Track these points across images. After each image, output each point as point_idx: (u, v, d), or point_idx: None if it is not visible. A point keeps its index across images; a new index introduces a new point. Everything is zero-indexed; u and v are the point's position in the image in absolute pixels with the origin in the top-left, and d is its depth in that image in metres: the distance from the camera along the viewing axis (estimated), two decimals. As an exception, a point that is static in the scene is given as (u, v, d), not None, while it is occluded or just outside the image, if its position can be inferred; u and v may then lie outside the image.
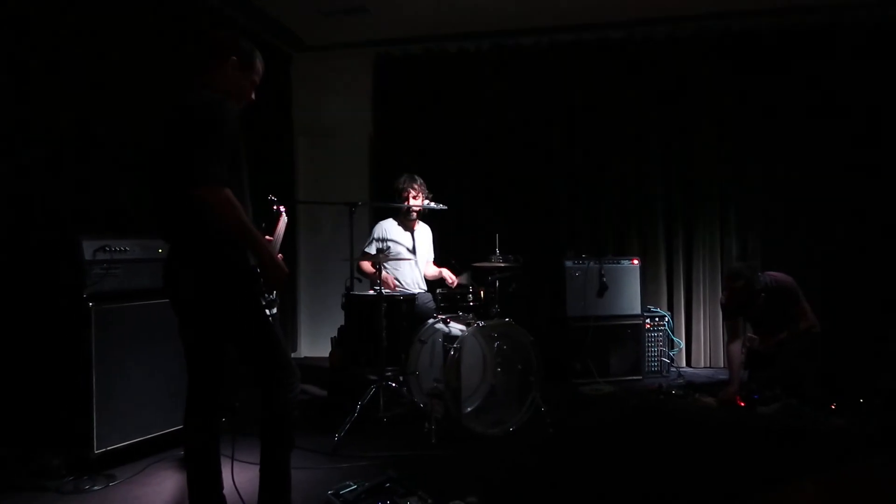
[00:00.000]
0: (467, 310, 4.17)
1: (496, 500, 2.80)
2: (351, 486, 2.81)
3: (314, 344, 6.07)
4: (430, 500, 2.67)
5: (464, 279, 4.60)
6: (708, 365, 5.66)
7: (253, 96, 2.58)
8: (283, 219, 3.07)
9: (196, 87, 2.43)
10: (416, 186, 4.56)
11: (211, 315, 2.37)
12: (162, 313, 3.39)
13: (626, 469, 3.24)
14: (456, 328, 3.92)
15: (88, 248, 3.14)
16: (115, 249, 3.24)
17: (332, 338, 4.48)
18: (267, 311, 2.40)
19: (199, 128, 2.25)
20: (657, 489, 2.97)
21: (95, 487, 3.02)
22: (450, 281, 4.64)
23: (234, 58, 2.47)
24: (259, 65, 2.56)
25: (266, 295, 2.39)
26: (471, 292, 4.21)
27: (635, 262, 5.36)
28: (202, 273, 2.31)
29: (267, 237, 2.77)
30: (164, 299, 3.34)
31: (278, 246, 2.89)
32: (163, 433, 3.44)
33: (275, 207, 3.13)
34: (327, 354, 4.62)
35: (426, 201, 4.55)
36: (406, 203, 4.56)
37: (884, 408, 3.98)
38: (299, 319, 6.23)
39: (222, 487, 2.51)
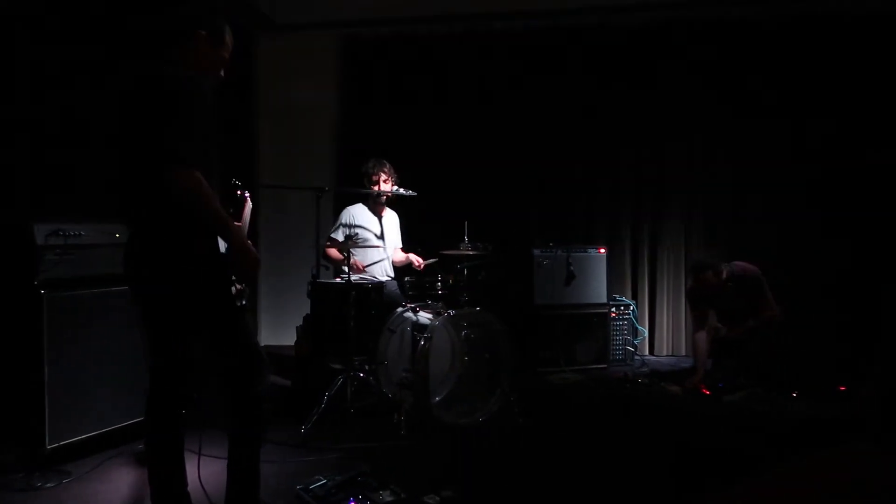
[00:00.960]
0: (436, 298, 4.12)
1: (471, 493, 2.76)
2: (321, 480, 2.73)
3: (275, 332, 5.92)
4: (403, 495, 2.62)
5: (431, 261, 4.49)
6: (670, 353, 5.73)
7: (223, 73, 2.46)
8: (249, 204, 2.94)
9: (164, 62, 2.30)
10: (385, 171, 4.46)
11: (177, 304, 2.24)
12: (119, 301, 3.27)
13: (598, 459, 3.24)
14: (425, 317, 3.86)
15: (40, 233, 2.97)
16: (70, 234, 3.07)
17: (297, 326, 4.37)
18: (237, 302, 2.29)
19: (169, 105, 2.12)
20: (629, 479, 2.98)
21: (48, 484, 2.87)
22: (417, 264, 4.56)
23: (204, 32, 2.34)
24: (229, 40, 2.43)
25: (236, 285, 2.28)
26: (439, 280, 4.16)
27: (602, 250, 5.37)
28: (169, 260, 2.19)
29: (235, 223, 2.64)
30: (122, 286, 3.25)
31: (246, 232, 2.77)
32: (120, 426, 3.30)
33: (239, 192, 3.00)
34: (289, 343, 4.52)
35: (395, 187, 4.46)
36: (376, 188, 4.46)
37: (873, 396, 4.06)
38: (259, 307, 6.08)
39: (186, 484, 2.40)
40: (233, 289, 2.27)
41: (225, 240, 2.20)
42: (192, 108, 2.14)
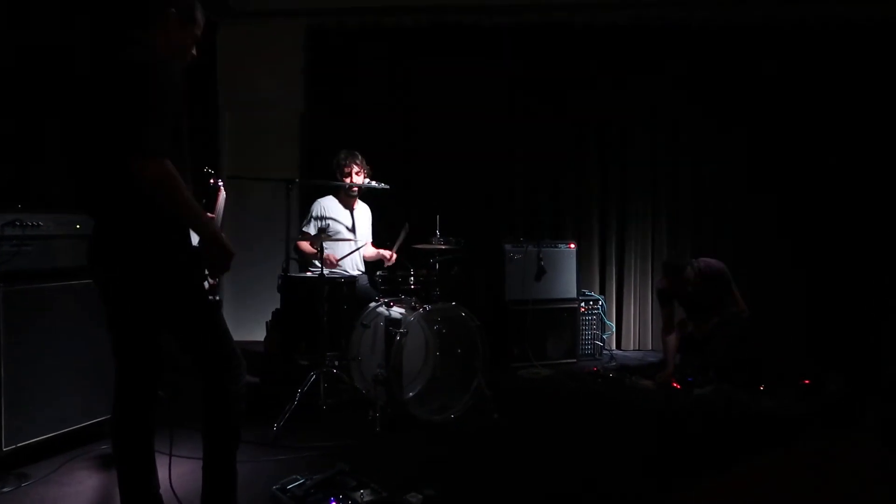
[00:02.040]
0: (409, 293, 4.05)
1: (453, 491, 2.71)
2: (298, 479, 2.65)
3: (240, 328, 5.75)
4: (384, 493, 2.55)
5: (401, 238, 4.39)
6: (637, 348, 5.79)
7: (194, 52, 2.34)
8: (222, 193, 2.84)
9: (132, 44, 2.16)
10: (357, 162, 4.37)
11: (147, 300, 2.12)
12: (81, 295, 3.12)
13: (574, 454, 3.23)
14: (399, 312, 3.79)
15: (-4, 223, 2.80)
16: (28, 224, 2.90)
17: (266, 322, 4.25)
18: (210, 297, 2.19)
19: (138, 91, 1.99)
20: (604, 473, 2.97)
21: (6, 488, 2.71)
22: (388, 257, 4.47)
23: (173, 10, 2.22)
24: (200, 17, 2.31)
25: (209, 279, 2.18)
26: (412, 275, 4.09)
27: (572, 246, 5.39)
28: (138, 254, 2.07)
29: (208, 214, 2.54)
30: (83, 279, 3.11)
31: (219, 223, 2.67)
32: (82, 426, 3.16)
33: (212, 181, 2.90)
34: (254, 339, 4.39)
35: (367, 180, 4.37)
36: (348, 180, 4.37)
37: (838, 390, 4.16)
38: (223, 302, 5.90)
39: (158, 486, 2.29)
40: (206, 283, 2.17)
41: (197, 232, 2.09)
42: (163, 95, 2.02)
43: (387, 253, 4.49)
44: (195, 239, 2.13)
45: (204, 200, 2.55)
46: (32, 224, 2.92)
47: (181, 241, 2.12)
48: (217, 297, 2.24)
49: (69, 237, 3.09)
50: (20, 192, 3.40)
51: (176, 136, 2.06)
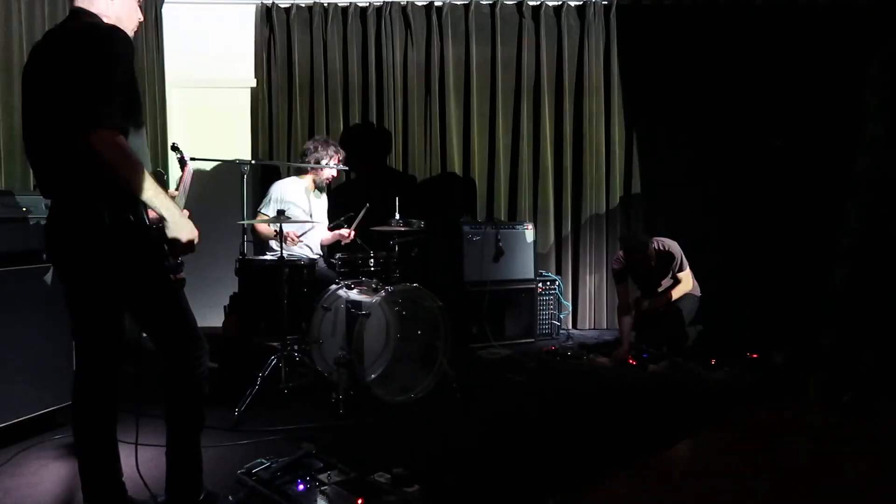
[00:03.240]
0: (368, 275, 4.04)
1: (420, 470, 2.72)
2: (264, 463, 2.62)
3: (197, 314, 5.63)
4: (352, 474, 2.55)
5: (360, 217, 4.36)
6: (593, 326, 5.91)
7: (141, 17, 2.27)
8: (189, 169, 2.76)
9: (77, 14, 2.09)
10: (336, 152, 4.32)
11: (108, 279, 2.07)
12: (29, 281, 3.01)
13: (537, 430, 3.29)
14: (359, 294, 3.77)
15: (-63, 206, 2.67)
16: (-28, 207, 2.77)
17: (224, 306, 4.17)
18: (172, 276, 2.14)
19: (86, 62, 1.93)
20: (569, 447, 3.04)
21: (-44, 482, 2.61)
22: (346, 235, 4.44)
23: None
24: None
25: (170, 258, 2.12)
26: (371, 257, 4.07)
27: (529, 227, 5.44)
28: (96, 233, 2.00)
29: (172, 192, 2.47)
30: (34, 264, 3.00)
31: (184, 200, 2.60)
32: (33, 416, 3.05)
33: (179, 157, 2.82)
34: (212, 325, 4.30)
35: (332, 164, 4.31)
36: (327, 170, 4.31)
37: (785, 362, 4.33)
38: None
39: (121, 473, 2.24)
40: (168, 262, 2.11)
41: (154, 209, 2.02)
42: (113, 69, 1.95)
43: (344, 232, 4.45)
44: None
45: (165, 177, 2.48)
46: (-24, 207, 2.79)
47: (139, 218, 2.06)
48: (181, 277, 2.18)
49: (17, 220, 2.97)
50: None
51: (130, 109, 2.00)
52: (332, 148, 4.35)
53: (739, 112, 5.76)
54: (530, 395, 3.93)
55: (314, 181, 4.43)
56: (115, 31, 2.02)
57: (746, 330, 5.05)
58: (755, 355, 4.48)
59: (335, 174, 4.34)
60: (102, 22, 2.07)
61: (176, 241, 2.06)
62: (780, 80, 5.71)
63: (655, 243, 4.71)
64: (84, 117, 1.88)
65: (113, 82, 1.94)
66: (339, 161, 4.35)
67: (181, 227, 2.05)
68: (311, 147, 4.37)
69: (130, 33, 2.17)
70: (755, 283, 5.62)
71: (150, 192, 1.98)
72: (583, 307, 5.94)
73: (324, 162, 4.33)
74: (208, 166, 5.22)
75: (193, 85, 5.83)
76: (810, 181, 5.66)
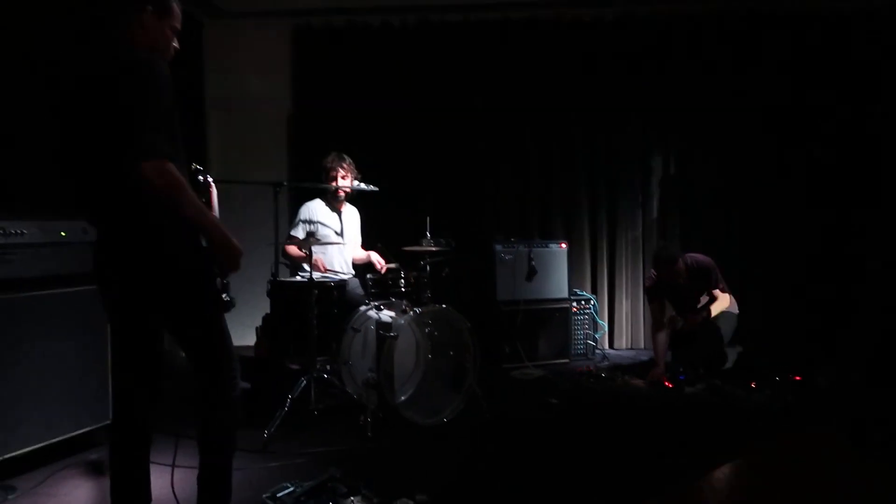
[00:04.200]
0: (399, 295, 4.03)
1: (445, 496, 2.69)
2: (288, 487, 2.62)
3: (236, 333, 5.71)
4: (376, 500, 2.53)
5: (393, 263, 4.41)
6: (629, 346, 5.79)
7: (176, 44, 2.31)
8: (213, 190, 2.80)
9: (115, 44, 2.14)
10: (344, 166, 4.34)
11: (157, 300, 2.11)
12: (66, 303, 3.08)
13: (569, 454, 3.22)
14: (389, 315, 3.77)
15: (-22, 232, 2.76)
16: (11, 233, 2.85)
17: (256, 327, 4.22)
18: (225, 296, 2.19)
19: (133, 93, 1.97)
20: (600, 473, 2.97)
21: (-8, 501, 2.68)
22: (379, 266, 4.47)
23: (149, 6, 2.18)
24: (176, 8, 2.27)
25: (219, 279, 2.16)
26: (402, 277, 4.07)
27: (563, 245, 5.38)
28: (150, 255, 2.06)
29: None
30: (69, 288, 3.07)
31: None
32: (68, 437, 3.11)
33: (201, 178, 2.85)
34: (245, 345, 4.36)
35: (356, 182, 4.34)
36: (334, 183, 4.34)
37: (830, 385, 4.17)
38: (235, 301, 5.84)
39: (150, 496, 2.27)
40: (218, 282, 2.16)
41: (204, 233, 2.08)
42: (159, 99, 2.00)
43: (377, 260, 4.47)
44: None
45: (204, 200, 2.51)
46: (17, 232, 2.87)
47: (192, 241, 2.11)
48: (229, 297, 2.22)
49: (54, 245, 3.05)
50: (5, 199, 3.36)
51: (173, 134, 2.05)
52: (343, 162, 4.36)
53: (777, 128, 5.61)
54: (562, 417, 3.86)
55: (336, 196, 4.45)
56: (157, 60, 2.07)
57: (789, 351, 4.89)
58: (798, 377, 4.32)
59: (347, 186, 4.35)
60: (142, 52, 2.11)
61: (223, 260, 2.11)
62: (829, 91, 5.55)
63: (687, 259, 4.60)
64: (134, 148, 1.93)
65: (159, 112, 1.99)
66: (348, 177, 4.36)
67: (228, 247, 2.10)
68: (326, 161, 4.40)
69: (166, 57, 2.22)
70: (799, 302, 5.44)
71: (199, 214, 2.03)
72: (619, 327, 5.83)
73: (332, 175, 4.34)
74: (241, 188, 5.30)
75: (231, 106, 5.95)
76: (855, 196, 5.48)
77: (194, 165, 2.90)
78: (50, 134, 3.65)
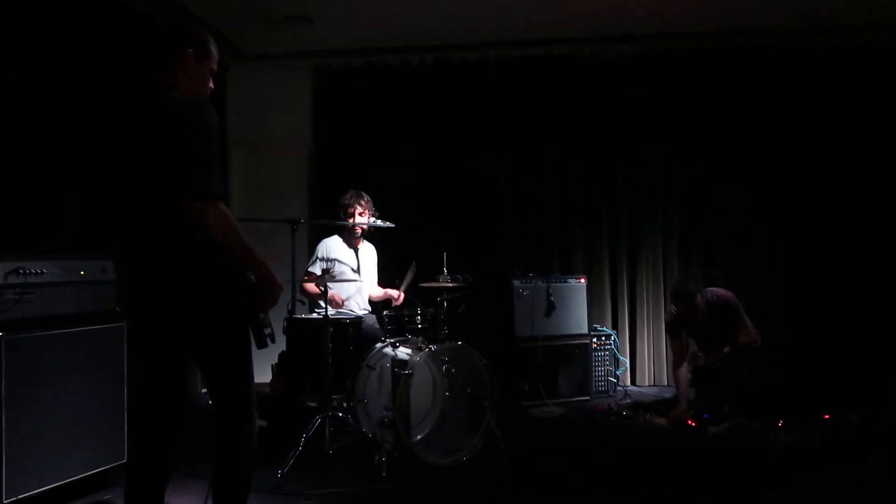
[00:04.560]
0: (415, 332, 4.00)
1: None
2: (300, 530, 2.58)
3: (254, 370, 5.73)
4: (388, 544, 2.48)
5: (409, 277, 4.37)
6: (652, 383, 5.67)
7: (212, 85, 2.37)
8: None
9: (160, 87, 2.19)
10: (362, 203, 4.37)
11: (193, 338, 2.15)
12: (84, 343, 3.11)
13: (589, 497, 3.13)
14: (405, 352, 3.74)
15: (0, 272, 2.80)
16: (31, 272, 2.90)
17: (272, 364, 4.21)
18: (266, 330, 2.20)
19: (184, 135, 2.03)
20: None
21: (6, 542, 2.67)
22: (396, 298, 4.45)
23: (191, 50, 2.26)
24: (215, 51, 2.35)
25: (261, 314, 2.20)
26: (419, 314, 4.05)
27: (582, 280, 5.32)
28: (195, 292, 2.10)
29: None
30: (87, 327, 3.10)
31: None
32: (83, 476, 3.09)
33: None
34: (261, 381, 4.34)
35: (372, 219, 4.36)
36: (351, 220, 4.36)
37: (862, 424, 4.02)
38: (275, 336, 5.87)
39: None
40: (260, 317, 2.19)
41: (252, 271, 2.13)
42: (211, 137, 2.08)
43: (394, 293, 4.47)
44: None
45: None
46: (36, 272, 2.92)
47: (236, 278, 2.14)
48: (271, 331, 2.23)
49: (73, 284, 3.09)
50: (29, 237, 3.43)
51: (222, 175, 2.09)
52: (361, 199, 4.39)
53: (809, 153, 5.56)
54: (581, 457, 3.77)
55: (353, 233, 4.46)
56: (207, 104, 2.14)
57: (818, 387, 4.73)
58: (828, 416, 4.17)
59: (364, 223, 4.36)
60: (190, 96, 2.18)
61: (266, 296, 2.16)
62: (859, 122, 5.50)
63: (708, 293, 4.51)
64: (190, 188, 1.99)
65: (212, 154, 2.07)
66: (365, 214, 4.38)
67: (272, 284, 2.16)
68: (344, 198, 4.43)
69: (205, 96, 2.28)
70: (828, 336, 5.30)
71: (248, 252, 2.10)
72: (641, 363, 5.72)
73: (350, 211, 4.37)
74: (261, 225, 5.36)
75: (253, 146, 6.05)
76: (888, 224, 5.38)
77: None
78: (72, 174, 3.77)
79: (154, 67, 2.27)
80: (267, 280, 2.15)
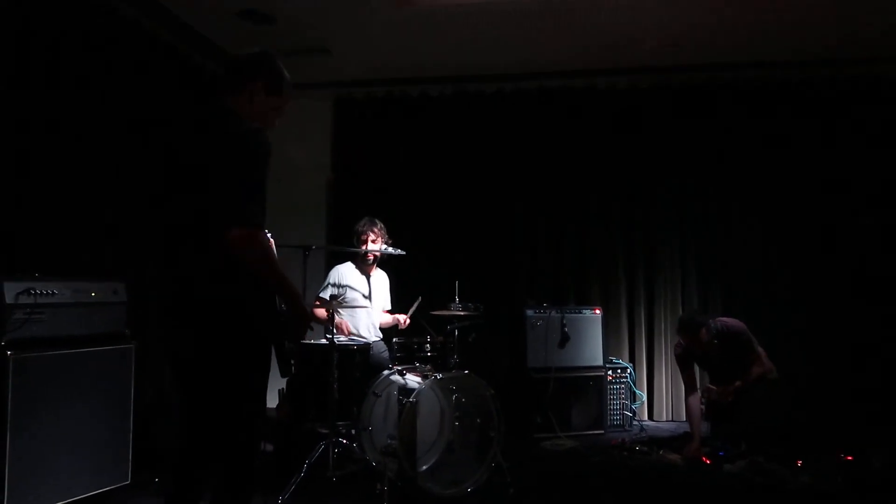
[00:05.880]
0: (424, 360, 3.98)
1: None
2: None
3: (263, 394, 5.75)
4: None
5: (415, 307, 4.37)
6: (670, 418, 5.54)
7: (276, 123, 2.39)
8: (273, 246, 2.87)
9: (221, 110, 2.23)
10: (375, 230, 4.40)
11: (218, 361, 2.11)
12: (91, 363, 3.16)
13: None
14: (412, 380, 3.72)
15: (10, 291, 2.87)
16: (42, 293, 2.97)
17: (279, 389, 4.22)
18: (291, 360, 2.24)
19: (238, 162, 2.05)
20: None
21: (5, 560, 2.69)
22: (403, 322, 4.44)
23: (261, 83, 2.27)
24: (287, 90, 2.35)
25: (289, 342, 2.25)
26: (428, 342, 4.04)
27: (597, 311, 5.26)
28: (226, 317, 2.08)
29: None
30: (94, 348, 3.16)
31: None
32: (89, 495, 3.13)
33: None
34: (272, 405, 4.35)
35: (384, 246, 4.38)
36: (363, 247, 4.39)
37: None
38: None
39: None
40: (286, 346, 2.22)
41: (286, 302, 2.14)
42: (262, 170, 2.08)
43: (401, 317, 4.46)
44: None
45: None
46: (46, 292, 2.99)
47: (267, 307, 2.16)
48: (294, 361, 2.25)
49: (83, 305, 3.16)
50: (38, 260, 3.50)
51: (265, 204, 2.11)
52: (374, 227, 4.42)
53: (827, 185, 5.47)
54: (589, 493, 3.68)
55: (366, 261, 4.48)
56: (262, 133, 2.14)
57: (840, 427, 4.58)
58: (849, 457, 4.02)
59: (375, 250, 4.38)
60: (248, 122, 2.18)
61: (296, 326, 2.17)
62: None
63: (718, 323, 4.40)
64: (232, 214, 2.00)
65: (259, 183, 2.07)
66: (378, 240, 4.40)
67: (303, 315, 2.17)
68: (358, 225, 4.47)
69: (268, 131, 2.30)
70: (851, 374, 5.14)
71: (282, 282, 2.11)
72: (659, 397, 5.60)
73: (363, 238, 4.39)
74: (280, 252, 5.42)
75: (273, 174, 6.12)
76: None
77: None
78: (87, 196, 3.86)
79: (221, 90, 2.28)
80: (297, 311, 2.14)
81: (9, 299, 2.86)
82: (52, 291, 3.02)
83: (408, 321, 4.40)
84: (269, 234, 2.86)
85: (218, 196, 2.03)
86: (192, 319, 2.12)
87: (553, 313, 5.11)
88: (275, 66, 2.33)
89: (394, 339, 4.11)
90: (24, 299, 2.90)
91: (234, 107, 2.22)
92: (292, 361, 2.23)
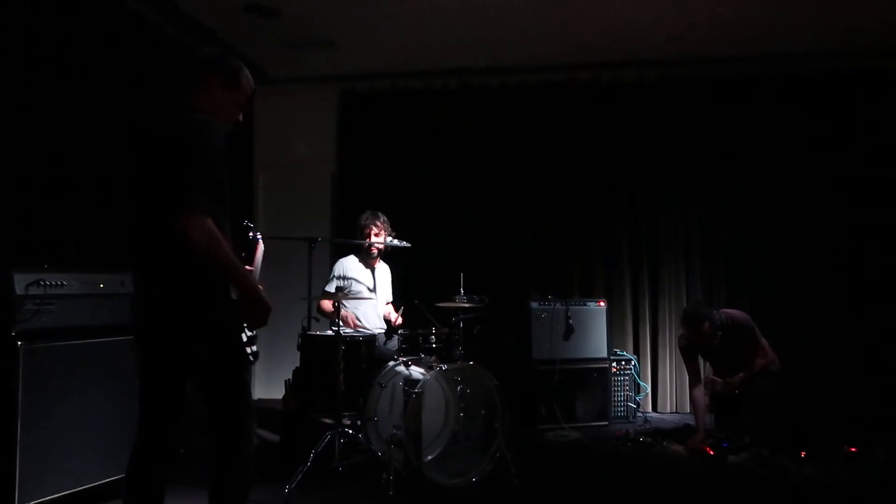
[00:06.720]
0: (429, 352, 4.00)
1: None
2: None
3: (269, 385, 5.79)
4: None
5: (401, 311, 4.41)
6: (675, 410, 5.56)
7: (240, 118, 2.42)
8: (261, 246, 2.91)
9: (180, 106, 2.26)
10: (378, 223, 4.42)
11: (183, 352, 2.16)
12: (100, 354, 3.18)
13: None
14: (417, 371, 3.75)
15: (20, 282, 2.89)
16: (51, 284, 2.99)
17: (285, 380, 4.25)
18: (249, 349, 2.22)
19: (182, 151, 2.08)
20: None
21: (17, 547, 2.73)
22: (394, 321, 4.47)
23: (215, 76, 2.31)
24: (246, 84, 2.39)
25: (246, 331, 2.21)
26: (433, 333, 4.06)
27: (602, 303, 5.27)
28: (180, 306, 2.12)
29: (247, 267, 2.58)
30: (103, 338, 3.18)
31: (258, 275, 2.73)
32: (97, 484, 3.16)
33: (251, 234, 2.97)
34: (275, 397, 4.39)
35: (388, 238, 4.40)
36: (367, 240, 4.41)
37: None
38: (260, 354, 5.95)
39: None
40: (244, 335, 2.21)
41: (236, 287, 2.15)
42: (205, 159, 2.10)
43: (394, 315, 4.49)
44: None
45: (243, 254, 2.59)
46: (55, 283, 3.02)
47: (223, 294, 2.17)
48: (255, 350, 2.26)
49: (92, 296, 3.19)
50: (47, 251, 3.53)
51: (219, 194, 2.13)
52: (377, 220, 4.44)
53: (832, 176, 5.47)
54: (593, 483, 3.70)
55: (370, 253, 4.50)
56: (212, 124, 2.18)
57: (845, 419, 4.59)
58: (854, 449, 4.03)
59: (378, 242, 4.41)
60: (202, 115, 2.21)
61: (253, 316, 2.16)
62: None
63: (722, 315, 4.40)
64: (176, 202, 2.02)
65: (206, 172, 2.08)
66: (381, 233, 4.42)
67: (257, 303, 2.15)
68: (361, 218, 4.49)
69: (227, 126, 2.32)
70: (856, 366, 5.15)
71: (230, 269, 2.10)
72: (663, 389, 5.61)
73: (366, 231, 4.41)
74: (284, 245, 5.45)
75: (279, 167, 6.18)
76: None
77: (246, 222, 3.02)
78: (91, 187, 3.89)
79: (179, 86, 2.32)
80: (251, 298, 2.13)
81: (19, 290, 2.88)
82: (62, 283, 3.05)
83: (400, 320, 4.42)
84: (258, 233, 2.90)
85: (164, 185, 2.06)
86: (152, 317, 2.17)
87: (558, 305, 5.12)
88: (230, 61, 2.36)
89: (398, 332, 4.13)
90: (33, 290, 2.93)
91: (192, 101, 2.26)
92: (250, 350, 2.22)
